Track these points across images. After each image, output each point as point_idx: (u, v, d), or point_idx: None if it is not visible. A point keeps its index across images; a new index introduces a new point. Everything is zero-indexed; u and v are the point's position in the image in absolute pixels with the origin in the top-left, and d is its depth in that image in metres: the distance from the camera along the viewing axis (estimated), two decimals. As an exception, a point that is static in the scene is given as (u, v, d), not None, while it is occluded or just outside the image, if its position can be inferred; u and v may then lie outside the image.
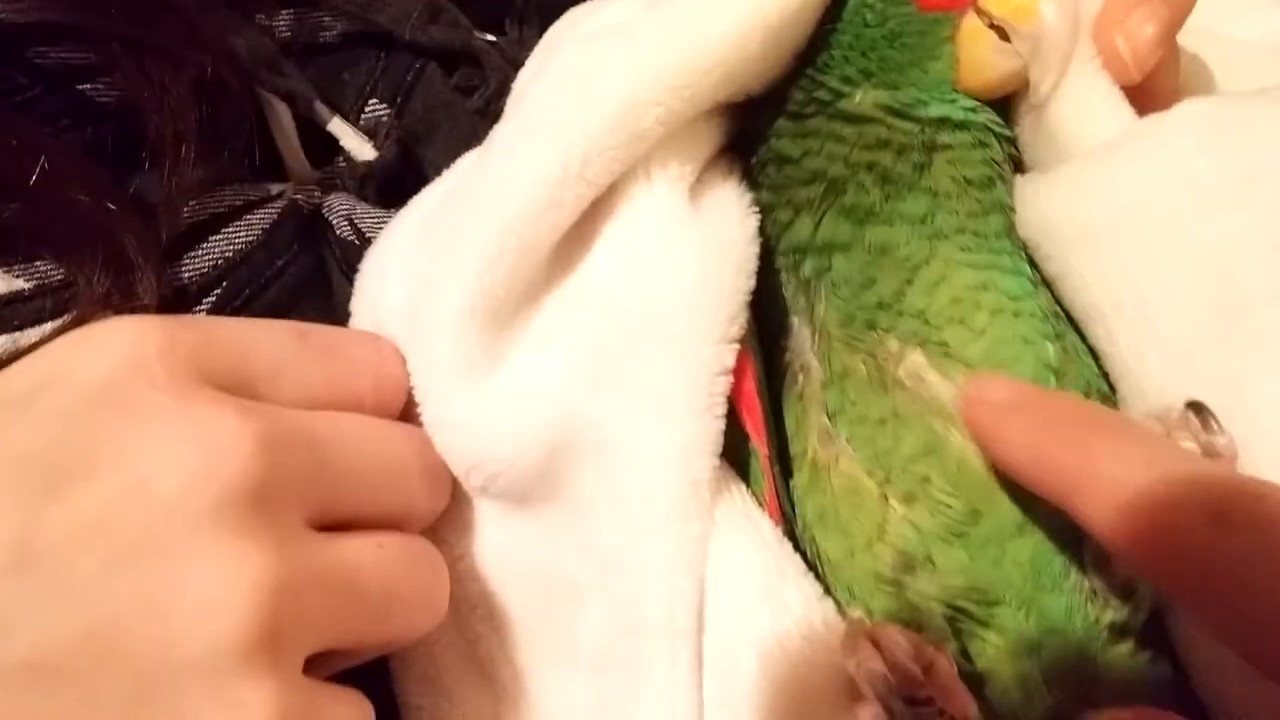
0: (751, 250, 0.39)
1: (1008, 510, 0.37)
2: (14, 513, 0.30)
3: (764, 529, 0.39)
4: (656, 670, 0.37)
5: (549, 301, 0.39)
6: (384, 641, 0.37)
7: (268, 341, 0.37)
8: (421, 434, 0.39)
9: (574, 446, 0.38)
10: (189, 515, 0.30)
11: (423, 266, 0.40)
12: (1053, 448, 0.33)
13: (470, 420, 0.38)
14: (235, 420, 0.32)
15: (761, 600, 0.37)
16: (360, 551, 0.35)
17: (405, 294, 0.41)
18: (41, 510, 0.30)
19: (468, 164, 0.43)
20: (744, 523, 0.38)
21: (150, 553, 0.30)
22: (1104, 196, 0.37)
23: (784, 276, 0.42)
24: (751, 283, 0.39)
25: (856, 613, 0.38)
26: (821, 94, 0.42)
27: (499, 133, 0.40)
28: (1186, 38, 0.52)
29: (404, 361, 0.40)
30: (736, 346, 0.38)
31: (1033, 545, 0.37)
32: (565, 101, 0.38)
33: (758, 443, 0.40)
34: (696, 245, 0.38)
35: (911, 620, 0.38)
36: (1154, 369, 0.36)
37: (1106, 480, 0.31)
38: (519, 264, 0.38)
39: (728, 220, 0.40)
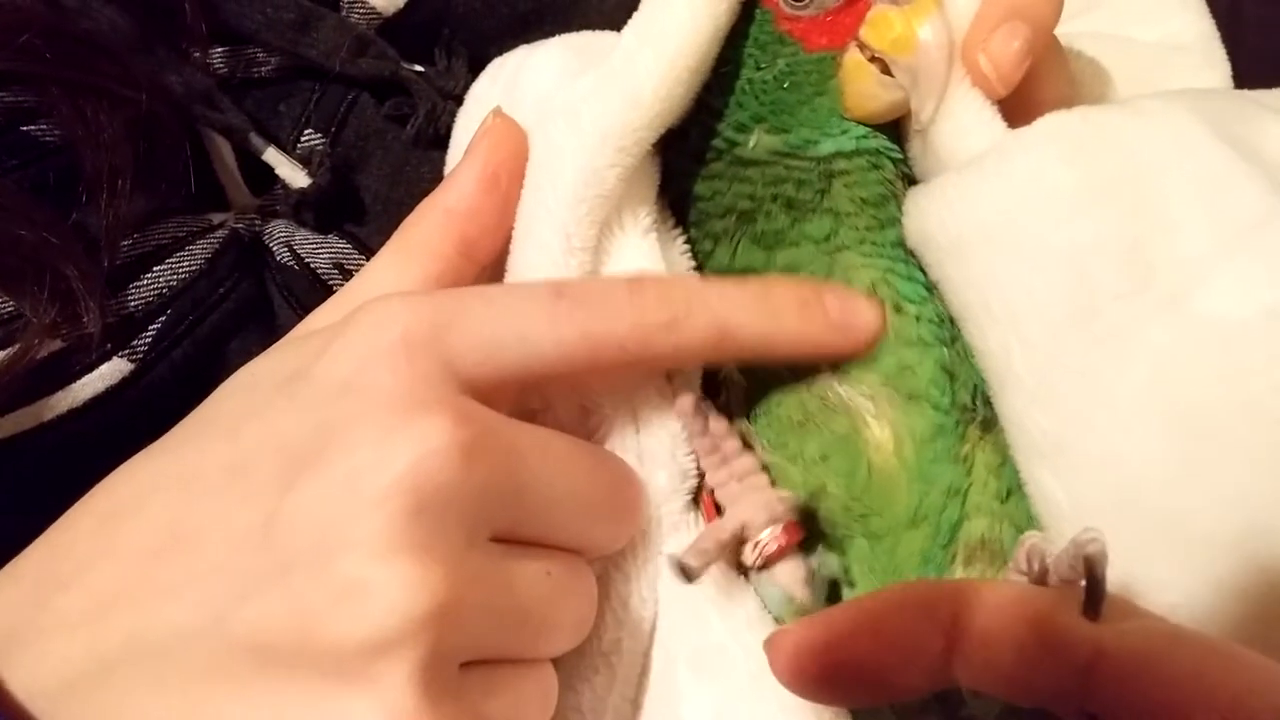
0: None
1: (903, 508, 0.41)
2: (264, 493, 0.33)
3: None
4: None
5: None
6: (524, 658, 0.37)
7: (519, 309, 0.37)
8: (625, 470, 0.40)
9: None
10: (387, 517, 0.32)
11: None
12: None
13: None
14: (450, 427, 0.33)
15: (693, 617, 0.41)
16: (530, 578, 0.36)
17: None
18: (284, 494, 0.33)
19: None
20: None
21: (348, 549, 0.32)
22: (969, 208, 0.40)
23: None
24: None
25: None
26: (718, 142, 0.45)
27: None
28: (1085, 42, 0.54)
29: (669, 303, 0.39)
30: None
31: (922, 539, 0.41)
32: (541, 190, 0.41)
33: None
34: None
35: None
36: (1019, 364, 0.39)
37: None
38: None
39: (678, 264, 0.44)
